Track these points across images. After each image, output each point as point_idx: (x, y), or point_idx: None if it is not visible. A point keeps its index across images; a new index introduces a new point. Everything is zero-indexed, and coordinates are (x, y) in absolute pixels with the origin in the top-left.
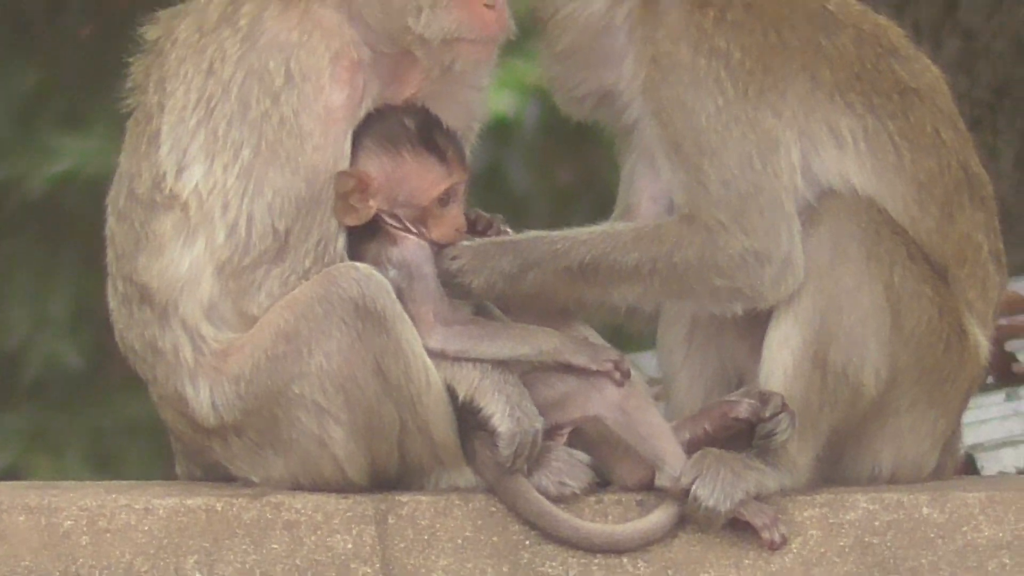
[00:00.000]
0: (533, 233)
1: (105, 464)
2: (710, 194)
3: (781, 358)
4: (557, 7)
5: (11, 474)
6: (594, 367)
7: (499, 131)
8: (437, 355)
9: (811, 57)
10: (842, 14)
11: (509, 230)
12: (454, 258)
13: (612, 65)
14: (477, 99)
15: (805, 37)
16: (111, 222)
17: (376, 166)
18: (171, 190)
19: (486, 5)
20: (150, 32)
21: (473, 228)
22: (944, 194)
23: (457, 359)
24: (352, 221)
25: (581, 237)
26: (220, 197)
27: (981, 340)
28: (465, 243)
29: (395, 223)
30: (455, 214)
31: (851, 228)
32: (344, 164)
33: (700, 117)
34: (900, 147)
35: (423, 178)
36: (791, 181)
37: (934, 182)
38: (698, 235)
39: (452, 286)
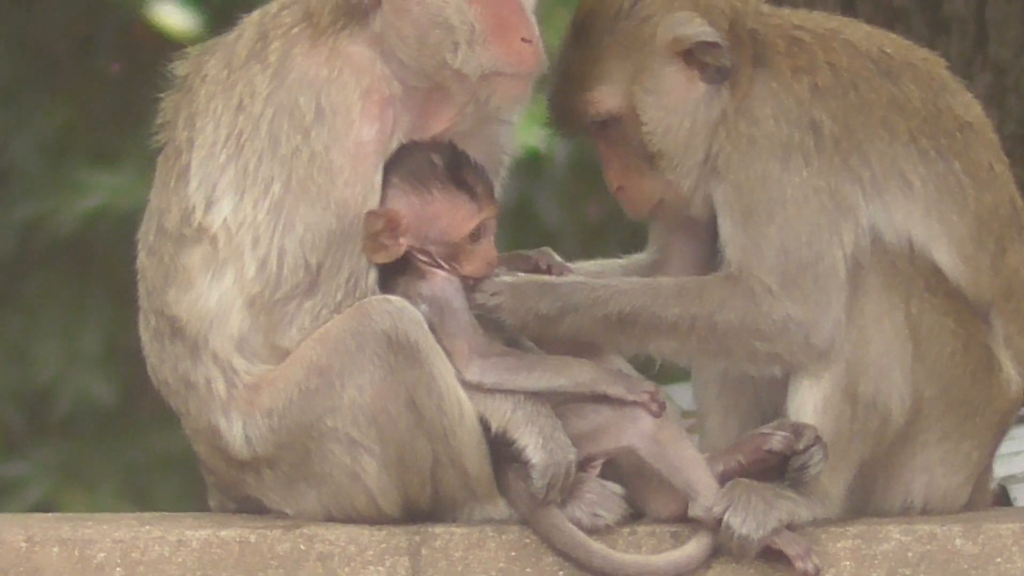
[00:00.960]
0: (574, 277)
1: (138, 498)
2: (764, 259)
3: (811, 391)
4: (672, 110)
5: (44, 508)
6: (631, 398)
7: (530, 166)
8: (474, 387)
9: (887, 109)
10: (897, 55)
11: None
12: (494, 294)
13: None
14: (506, 133)
15: (878, 88)
16: (142, 257)
17: (405, 204)
18: (200, 224)
19: (523, 40)
20: (179, 69)
21: (537, 269)
22: (999, 228)
23: (491, 391)
24: (382, 259)
25: (623, 287)
26: (250, 232)
27: (1013, 375)
28: (507, 279)
29: (426, 259)
30: (487, 249)
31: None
32: (375, 199)
33: (786, 189)
34: (965, 185)
35: (453, 215)
36: (853, 246)
37: (992, 217)
38: (742, 298)
39: (486, 321)
